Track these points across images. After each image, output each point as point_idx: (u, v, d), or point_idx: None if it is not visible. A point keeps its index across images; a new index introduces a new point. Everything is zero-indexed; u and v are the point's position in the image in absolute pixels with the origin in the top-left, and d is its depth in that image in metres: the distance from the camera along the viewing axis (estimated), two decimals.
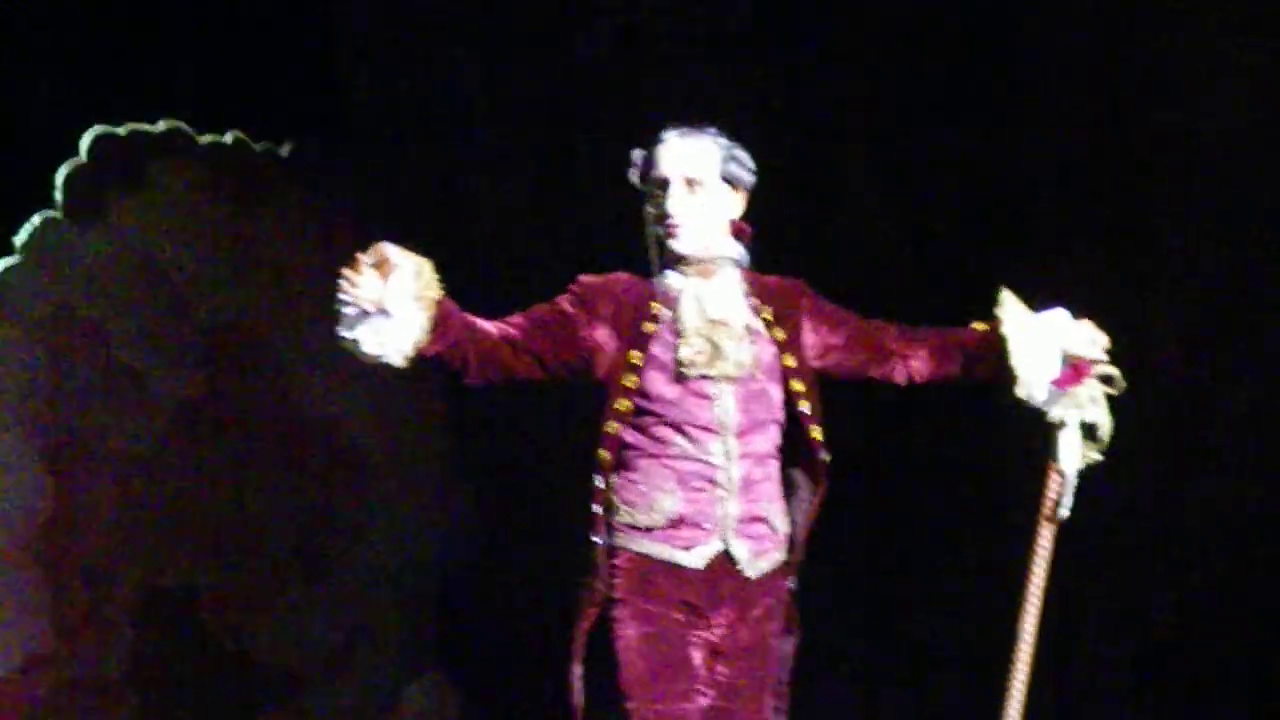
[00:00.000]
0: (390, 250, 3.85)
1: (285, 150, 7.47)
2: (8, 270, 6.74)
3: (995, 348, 4.12)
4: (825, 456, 4.05)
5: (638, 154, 4.08)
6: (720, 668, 3.99)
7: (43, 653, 6.63)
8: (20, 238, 6.80)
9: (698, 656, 3.95)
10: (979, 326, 4.17)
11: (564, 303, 4.05)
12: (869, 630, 6.82)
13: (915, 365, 4.17)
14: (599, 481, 3.98)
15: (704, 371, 3.96)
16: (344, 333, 3.88)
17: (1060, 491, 4.11)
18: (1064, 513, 4.13)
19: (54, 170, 6.94)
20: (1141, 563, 6.25)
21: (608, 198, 4.29)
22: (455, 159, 7.62)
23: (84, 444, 6.81)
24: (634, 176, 4.09)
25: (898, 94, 6.73)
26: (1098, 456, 4.10)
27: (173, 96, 7.19)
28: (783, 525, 4.06)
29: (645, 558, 3.96)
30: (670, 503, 3.95)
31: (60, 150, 6.99)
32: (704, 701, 3.95)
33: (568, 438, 7.07)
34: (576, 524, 4.07)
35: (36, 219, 6.85)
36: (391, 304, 3.83)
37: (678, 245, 4.03)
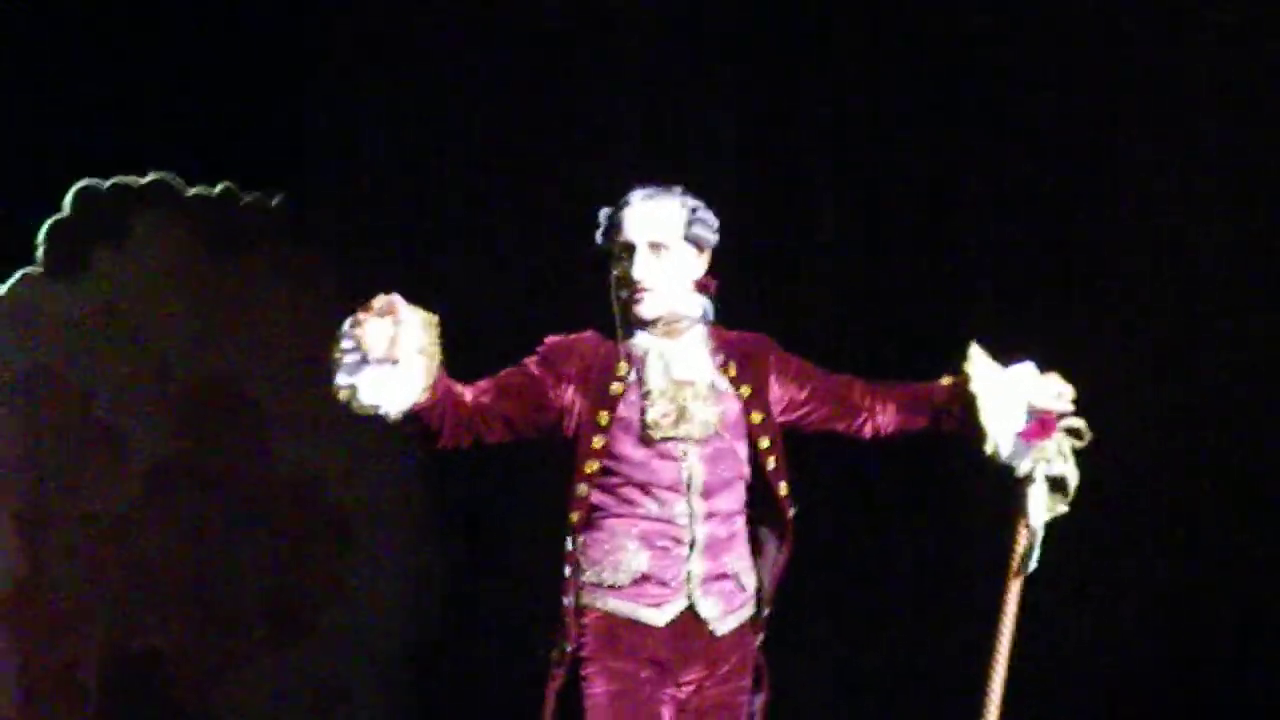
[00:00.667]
0: (400, 301, 3.84)
1: (275, 201, 7.38)
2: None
3: (963, 402, 4.14)
4: (792, 512, 4.08)
5: (604, 214, 4.11)
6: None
7: (9, 717, 6.55)
8: None
9: (666, 714, 3.97)
10: (946, 381, 4.19)
11: (531, 365, 4.08)
12: (840, 685, 6.80)
13: (881, 420, 4.17)
14: (568, 542, 4.01)
15: (670, 433, 3.98)
16: (342, 379, 3.85)
17: (1028, 545, 4.13)
18: (1031, 565, 4.15)
19: (36, 225, 6.88)
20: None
21: (583, 248, 4.24)
22: (438, 210, 7.58)
23: (57, 505, 6.74)
24: (599, 238, 4.10)
25: (863, 136, 6.76)
26: (1065, 509, 4.13)
27: (158, 149, 7.13)
28: (750, 582, 4.08)
29: (612, 616, 3.98)
30: (636, 562, 3.97)
31: (42, 205, 6.93)
32: None
33: (542, 496, 7.10)
34: (550, 582, 4.08)
35: (17, 275, 6.79)
36: (400, 354, 3.78)
37: (643, 310, 4.05)
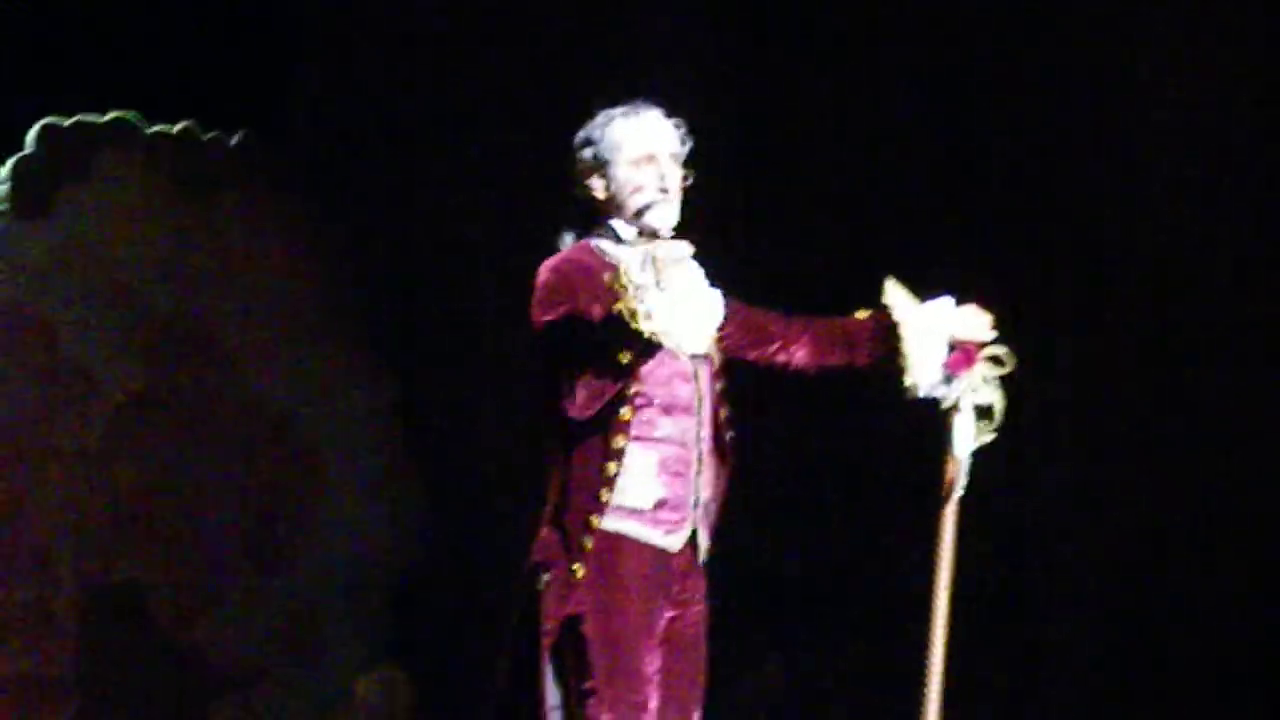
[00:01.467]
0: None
1: (234, 140, 7.40)
2: None
3: (882, 335, 4.13)
4: (729, 436, 4.03)
5: (606, 123, 4.03)
6: (667, 653, 3.93)
7: None
8: None
9: (656, 643, 3.91)
10: (863, 314, 4.17)
11: (564, 299, 3.90)
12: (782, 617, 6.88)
13: (797, 352, 4.14)
14: (591, 466, 3.88)
15: (695, 350, 3.93)
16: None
17: (955, 473, 4.12)
18: (958, 493, 4.13)
19: None
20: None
21: (550, 183, 4.21)
22: (405, 148, 7.60)
23: (29, 439, 6.78)
24: (601, 147, 4.02)
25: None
26: (991, 436, 4.12)
27: (123, 88, 7.14)
28: (715, 507, 4.05)
29: (633, 541, 3.90)
30: (656, 486, 3.90)
31: (5, 144, 6.93)
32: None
33: (512, 425, 7.18)
34: (526, 512, 4.02)
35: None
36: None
37: (665, 219, 3.98)
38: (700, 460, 3.96)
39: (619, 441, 3.86)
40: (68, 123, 7.04)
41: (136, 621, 6.95)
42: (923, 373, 4.07)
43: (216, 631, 7.17)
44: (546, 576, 3.87)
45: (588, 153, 4.02)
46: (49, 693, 6.72)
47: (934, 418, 4.14)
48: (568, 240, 4.03)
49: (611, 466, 3.85)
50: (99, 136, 7.10)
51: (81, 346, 6.94)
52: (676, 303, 3.65)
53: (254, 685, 7.23)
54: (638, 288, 3.62)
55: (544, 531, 3.90)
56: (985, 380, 4.12)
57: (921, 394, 4.08)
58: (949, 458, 4.12)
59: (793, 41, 7.01)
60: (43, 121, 6.98)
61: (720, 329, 3.93)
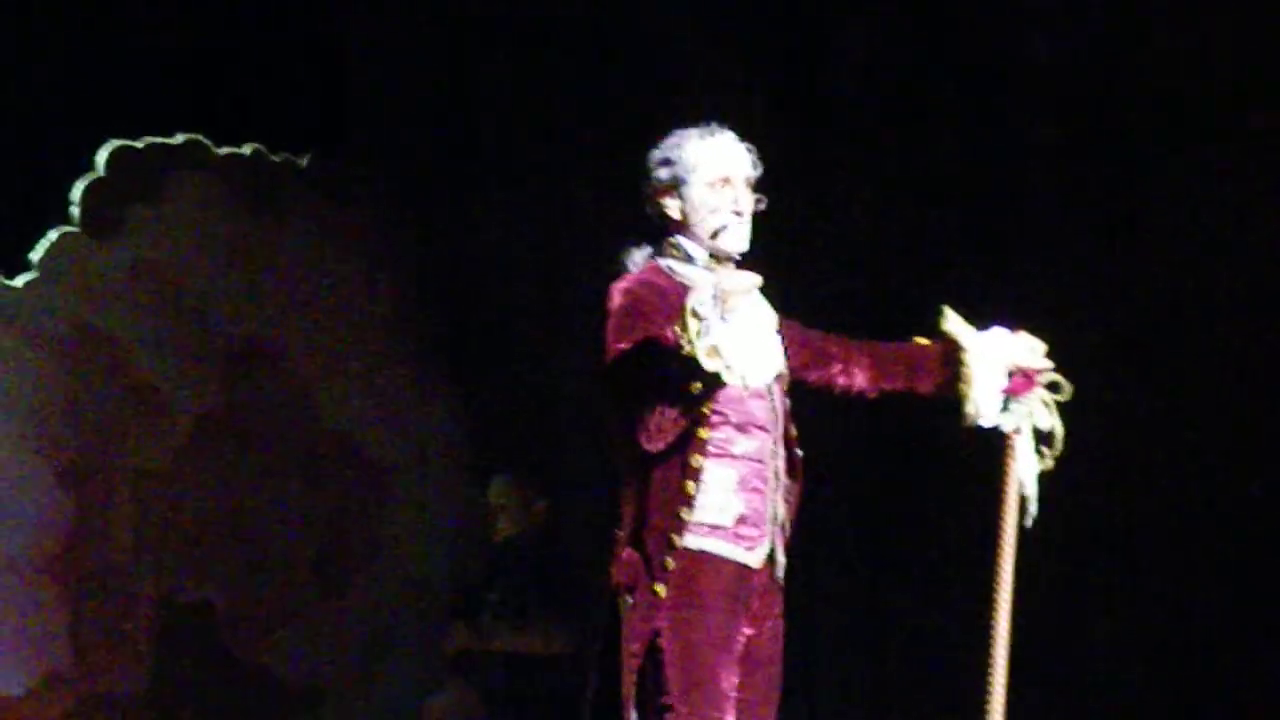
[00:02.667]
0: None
1: (304, 161, 7.45)
2: (26, 286, 6.74)
3: (946, 362, 4.16)
4: (800, 454, 4.07)
5: (681, 144, 4.06)
6: (743, 670, 3.95)
7: (61, 670, 6.65)
8: (37, 254, 6.81)
9: (735, 660, 3.94)
10: (922, 341, 4.21)
11: (639, 323, 3.91)
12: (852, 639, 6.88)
13: (858, 375, 4.18)
14: (670, 485, 3.90)
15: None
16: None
17: (1023, 499, 4.15)
18: (1028, 521, 4.17)
19: (71, 185, 6.94)
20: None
21: (615, 202, 4.25)
22: (469, 167, 7.63)
23: (102, 461, 6.81)
24: (679, 168, 4.04)
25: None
26: (1051, 464, 4.17)
27: (192, 110, 7.19)
28: (788, 524, 4.08)
29: (714, 558, 3.92)
30: (736, 502, 3.93)
31: (78, 165, 7.00)
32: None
33: (579, 443, 7.21)
34: (592, 527, 4.10)
35: (54, 234, 6.85)
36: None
37: (737, 243, 4.03)
38: (777, 476, 3.99)
39: (697, 460, 3.88)
40: (140, 145, 7.08)
41: (207, 641, 6.98)
42: (985, 400, 4.10)
43: (285, 651, 7.19)
44: (630, 598, 3.89)
45: (664, 172, 4.03)
46: (126, 712, 6.75)
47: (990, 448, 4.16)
48: (636, 258, 4.06)
49: (690, 485, 3.87)
50: (171, 158, 7.14)
51: (153, 367, 6.98)
52: (740, 338, 3.73)
53: (322, 704, 7.26)
54: (702, 322, 3.65)
55: (625, 553, 3.91)
56: (1044, 405, 4.17)
57: (982, 423, 4.11)
58: (1011, 482, 4.14)
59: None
60: (113, 144, 7.03)
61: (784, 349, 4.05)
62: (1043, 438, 4.16)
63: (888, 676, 6.83)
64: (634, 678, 3.87)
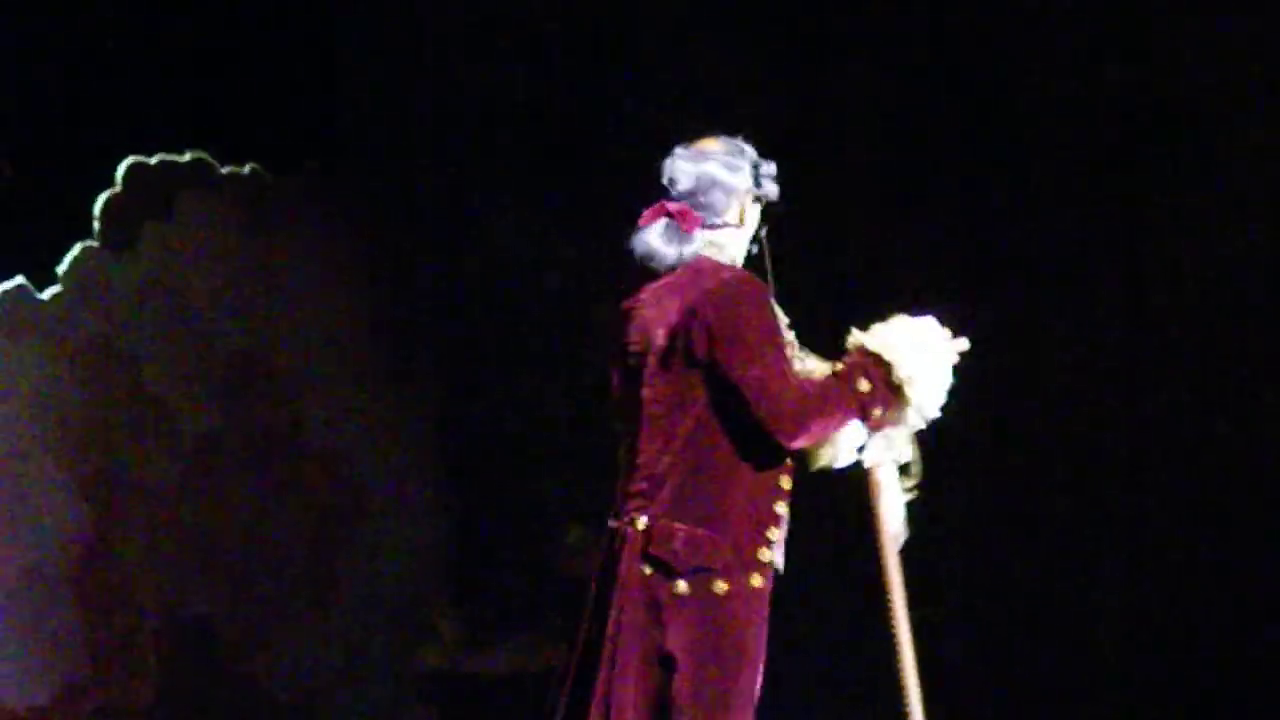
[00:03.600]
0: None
1: (301, 181, 7.58)
2: (52, 299, 6.80)
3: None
4: None
5: (763, 160, 4.09)
6: None
7: (79, 681, 6.71)
8: (62, 267, 6.87)
9: None
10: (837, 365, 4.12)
11: (777, 324, 3.96)
12: None
13: None
14: (761, 498, 3.93)
15: None
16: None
17: (891, 528, 4.10)
18: (899, 547, 4.12)
19: (92, 200, 7.02)
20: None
21: (616, 208, 4.24)
22: (463, 177, 7.78)
23: (117, 474, 6.89)
24: (765, 185, 4.10)
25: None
26: (913, 495, 4.11)
27: (205, 126, 7.31)
28: None
29: (774, 572, 3.98)
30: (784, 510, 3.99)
31: (98, 180, 7.06)
32: None
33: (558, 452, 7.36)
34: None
35: (77, 249, 6.92)
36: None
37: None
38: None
39: (786, 482, 3.96)
40: (153, 161, 7.18)
41: (206, 654, 7.09)
42: (840, 450, 4.02)
43: (276, 665, 7.32)
44: (725, 584, 3.87)
45: (768, 185, 4.07)
46: None
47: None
48: (685, 250, 3.96)
49: (780, 506, 3.93)
50: (180, 175, 7.23)
51: (163, 381, 7.06)
52: (941, 378, 3.91)
53: (313, 713, 7.41)
54: (913, 364, 3.86)
55: (702, 533, 3.86)
56: (902, 438, 4.09)
57: (838, 466, 4.04)
58: (879, 519, 4.08)
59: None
60: (130, 159, 7.13)
61: None
62: (902, 468, 4.10)
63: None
64: (743, 667, 3.86)
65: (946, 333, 3.98)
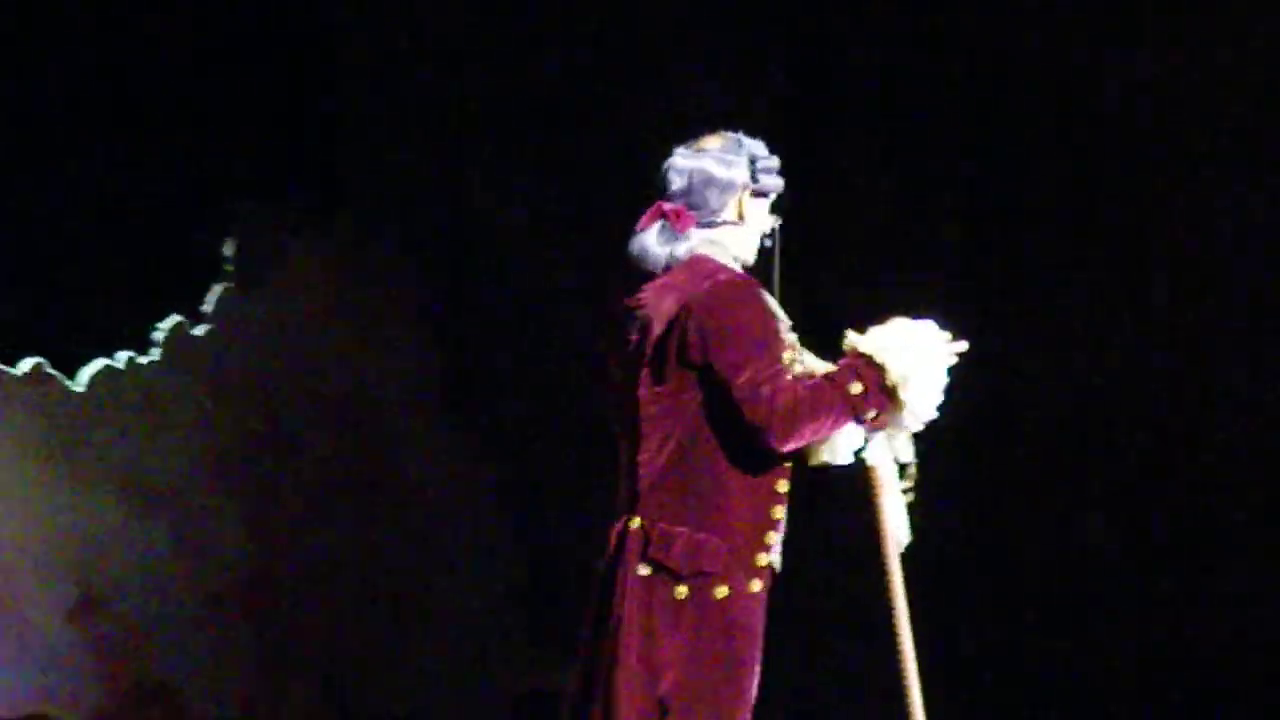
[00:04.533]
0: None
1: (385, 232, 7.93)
2: (205, 336, 7.22)
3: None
4: None
5: (761, 153, 4.03)
6: None
7: (251, 691, 7.17)
8: (207, 306, 7.30)
9: None
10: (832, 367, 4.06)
11: (770, 324, 3.91)
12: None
13: None
14: (759, 502, 3.90)
15: None
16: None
17: (893, 527, 4.09)
18: (903, 544, 4.12)
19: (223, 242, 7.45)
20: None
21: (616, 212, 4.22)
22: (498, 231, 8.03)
23: (268, 501, 7.28)
24: (775, 179, 4.05)
25: None
26: (910, 496, 4.09)
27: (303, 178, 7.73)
28: None
29: (771, 574, 3.97)
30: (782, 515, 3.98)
31: (219, 224, 7.49)
32: None
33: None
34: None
35: (218, 288, 7.34)
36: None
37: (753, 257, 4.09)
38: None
39: (783, 486, 3.92)
40: (269, 208, 7.53)
41: (337, 671, 7.43)
42: (841, 443, 3.99)
43: (382, 688, 7.60)
44: (726, 588, 3.85)
45: (769, 180, 4.00)
46: None
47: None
48: (679, 249, 3.92)
49: (778, 510, 3.90)
50: (292, 220, 7.62)
51: (288, 415, 7.44)
52: (935, 381, 3.87)
53: None
54: (906, 366, 3.82)
55: (702, 537, 3.84)
56: (902, 438, 4.07)
57: (838, 462, 4.01)
58: (881, 518, 4.07)
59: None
60: (249, 205, 7.47)
61: None
62: (902, 469, 4.08)
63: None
64: (741, 671, 3.86)
65: (945, 335, 3.92)
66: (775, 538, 3.90)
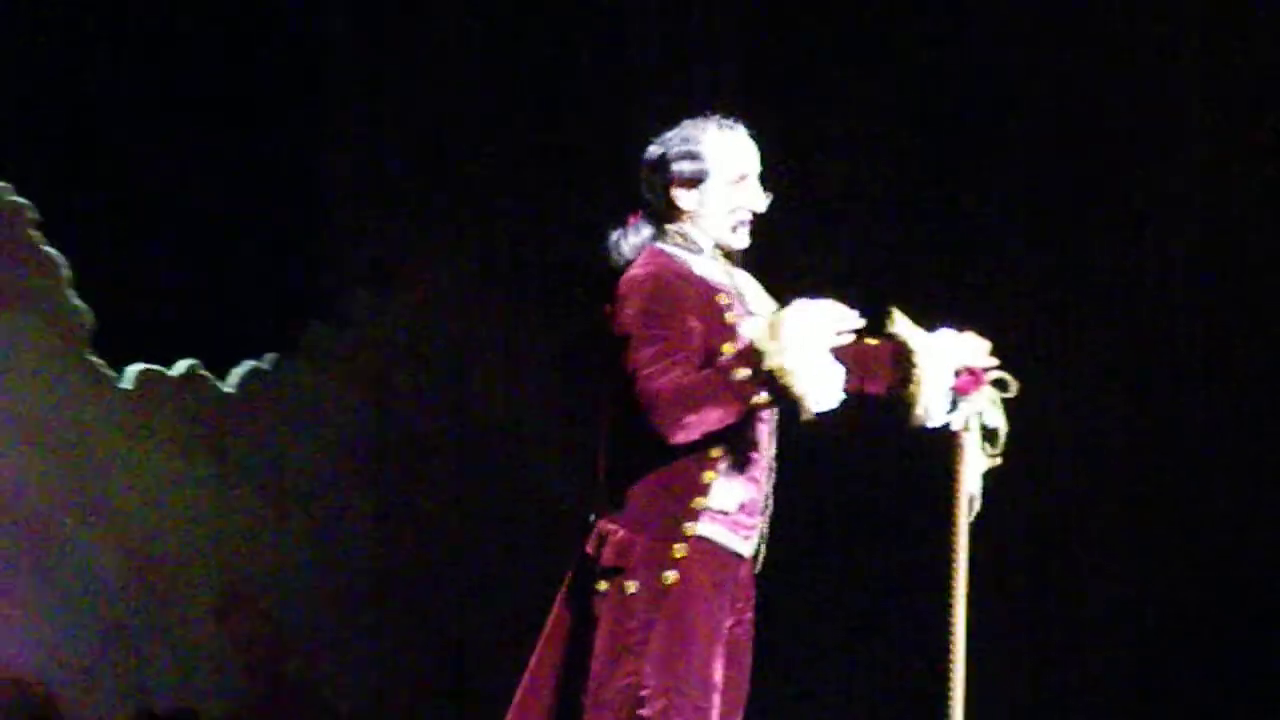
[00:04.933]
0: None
1: None
2: (346, 340, 7.39)
3: (893, 364, 4.09)
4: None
5: (703, 138, 3.99)
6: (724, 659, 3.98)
7: (383, 685, 7.30)
8: (349, 311, 7.48)
9: (721, 651, 3.96)
10: (870, 342, 4.09)
11: (663, 315, 3.87)
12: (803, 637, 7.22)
13: None
14: (687, 472, 3.87)
15: None
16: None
17: (970, 495, 4.13)
18: (973, 514, 4.15)
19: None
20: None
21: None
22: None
23: (401, 501, 7.42)
24: (701, 160, 3.98)
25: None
26: (997, 461, 4.14)
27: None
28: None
29: (716, 546, 3.90)
30: (739, 489, 3.93)
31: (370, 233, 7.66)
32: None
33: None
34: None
35: (360, 294, 7.50)
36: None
37: (743, 239, 4.04)
38: (770, 467, 4.01)
39: (716, 450, 3.87)
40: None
41: (467, 669, 7.54)
42: (934, 401, 4.05)
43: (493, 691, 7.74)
44: (633, 585, 3.84)
45: (686, 165, 3.96)
46: None
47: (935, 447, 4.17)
48: (633, 241, 3.98)
49: (708, 474, 3.86)
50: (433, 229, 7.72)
51: (423, 419, 7.54)
52: (816, 363, 3.75)
53: None
54: (781, 350, 3.72)
55: (621, 535, 3.85)
56: (992, 403, 4.14)
57: (930, 424, 4.07)
58: (960, 482, 4.12)
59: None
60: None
61: None
62: (988, 435, 4.12)
63: (852, 675, 7.27)
64: (633, 665, 3.83)
65: (843, 314, 3.82)
66: (699, 528, 3.85)
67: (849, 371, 3.88)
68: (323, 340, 7.37)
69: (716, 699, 3.88)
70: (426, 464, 7.60)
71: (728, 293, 3.94)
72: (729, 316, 3.89)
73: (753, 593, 4.02)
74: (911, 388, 4.03)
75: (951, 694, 4.09)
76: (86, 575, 6.60)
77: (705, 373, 3.78)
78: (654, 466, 3.84)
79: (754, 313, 3.94)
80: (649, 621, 3.82)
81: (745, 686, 4.02)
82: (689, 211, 3.96)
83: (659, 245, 3.95)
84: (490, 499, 7.67)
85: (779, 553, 3.98)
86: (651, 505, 3.84)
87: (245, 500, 7.05)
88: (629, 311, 3.84)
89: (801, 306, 3.79)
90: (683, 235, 3.97)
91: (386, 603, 7.32)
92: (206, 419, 6.98)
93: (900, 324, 4.09)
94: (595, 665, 3.83)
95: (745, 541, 3.94)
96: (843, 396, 3.83)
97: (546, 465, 7.84)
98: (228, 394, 7.06)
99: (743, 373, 3.74)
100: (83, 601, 6.58)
